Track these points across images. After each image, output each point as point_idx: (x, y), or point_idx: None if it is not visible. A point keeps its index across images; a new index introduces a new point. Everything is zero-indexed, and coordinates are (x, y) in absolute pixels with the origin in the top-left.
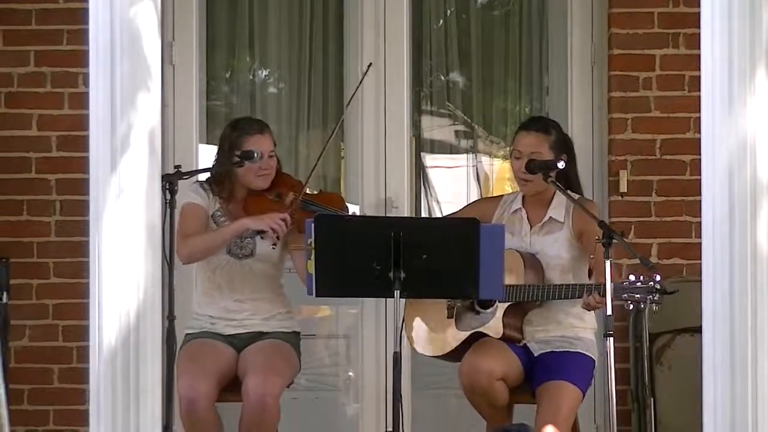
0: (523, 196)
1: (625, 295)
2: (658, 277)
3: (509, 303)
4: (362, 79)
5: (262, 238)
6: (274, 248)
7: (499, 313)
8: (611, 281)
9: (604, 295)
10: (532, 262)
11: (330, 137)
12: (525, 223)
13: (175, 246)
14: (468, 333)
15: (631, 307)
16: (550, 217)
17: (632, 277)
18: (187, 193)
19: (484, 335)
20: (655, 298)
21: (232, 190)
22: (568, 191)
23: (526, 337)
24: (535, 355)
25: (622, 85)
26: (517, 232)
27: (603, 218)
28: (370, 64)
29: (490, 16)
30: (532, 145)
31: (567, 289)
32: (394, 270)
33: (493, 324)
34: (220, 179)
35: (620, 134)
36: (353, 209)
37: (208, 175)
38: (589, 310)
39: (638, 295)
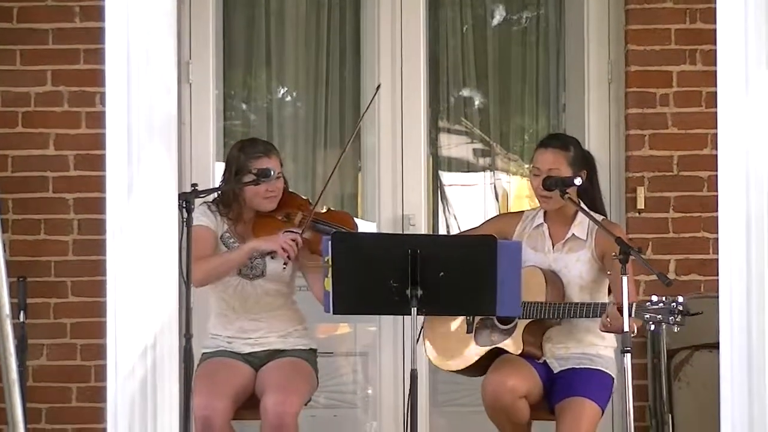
0: (545, 212)
1: (647, 315)
2: (681, 298)
3: (530, 320)
4: (371, 100)
5: (272, 257)
6: (284, 269)
7: (519, 329)
8: (629, 299)
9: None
10: (553, 279)
11: (339, 159)
12: (547, 239)
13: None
14: (487, 348)
15: (653, 327)
16: (573, 234)
17: (654, 297)
18: (195, 216)
19: (504, 351)
20: (677, 320)
21: (239, 212)
22: (591, 212)
23: (546, 354)
24: (555, 372)
25: (639, 101)
26: (540, 248)
27: (620, 236)
28: (379, 85)
29: (506, 33)
30: (551, 162)
31: (587, 307)
32: (412, 287)
33: (513, 340)
34: (228, 201)
35: (637, 151)
36: (370, 227)
37: (215, 195)
38: (608, 332)
39: (660, 316)
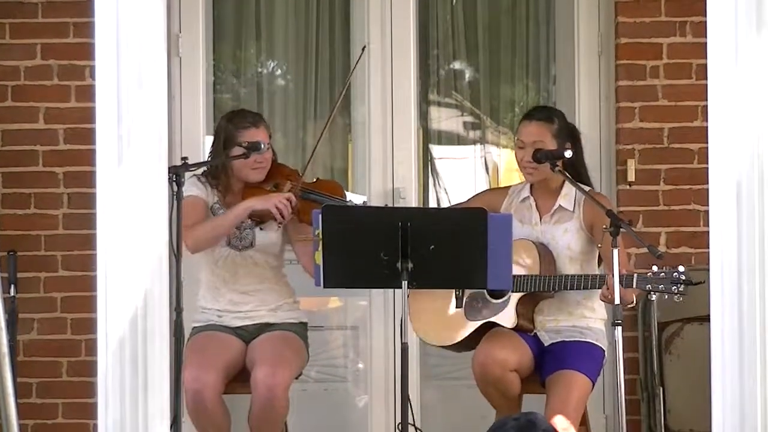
0: (532, 185)
1: (649, 285)
2: (681, 268)
3: (523, 293)
4: (357, 60)
5: (261, 228)
6: (279, 227)
7: (513, 303)
8: (622, 271)
9: (626, 285)
10: (545, 252)
11: (326, 124)
12: (534, 212)
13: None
14: (480, 323)
15: (654, 297)
16: (560, 205)
17: (655, 268)
18: (185, 187)
19: (495, 325)
20: (680, 289)
21: (228, 184)
22: (579, 184)
23: (537, 327)
24: (546, 345)
25: (630, 74)
26: (527, 221)
27: (610, 209)
28: (364, 47)
29: (496, 5)
30: (535, 134)
31: (581, 279)
32: (402, 260)
33: (507, 314)
34: (216, 172)
35: (628, 123)
36: (361, 200)
37: (204, 168)
38: (609, 302)
39: (662, 286)
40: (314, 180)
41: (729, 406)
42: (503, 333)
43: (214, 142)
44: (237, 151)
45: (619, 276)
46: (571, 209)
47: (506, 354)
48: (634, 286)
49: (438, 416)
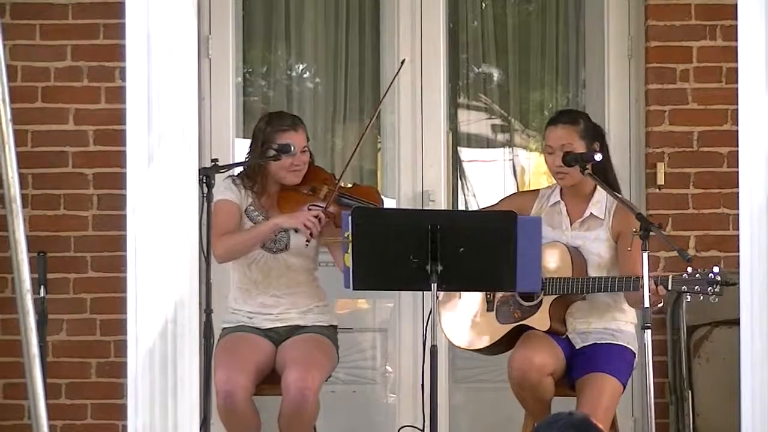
0: (562, 189)
1: (685, 287)
2: (716, 269)
3: (555, 296)
4: (396, 75)
5: (296, 231)
6: (307, 245)
7: (545, 305)
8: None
9: (663, 287)
10: (577, 255)
11: (364, 132)
12: (565, 217)
13: (212, 245)
14: (512, 325)
15: (689, 298)
16: (591, 213)
17: (690, 269)
18: (220, 190)
19: (528, 328)
20: (716, 290)
21: (264, 185)
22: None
23: (568, 329)
24: (577, 347)
25: (659, 77)
26: (557, 226)
27: (640, 212)
28: (404, 60)
29: (526, 9)
30: (562, 137)
31: (613, 282)
32: (431, 263)
33: (540, 317)
34: (253, 174)
35: (657, 126)
36: (390, 203)
37: (240, 169)
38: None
39: (698, 287)
40: (351, 185)
41: (758, 410)
42: (538, 336)
43: (251, 144)
44: (270, 153)
45: (655, 278)
46: (602, 217)
47: (543, 358)
48: (670, 287)
49: (465, 419)
